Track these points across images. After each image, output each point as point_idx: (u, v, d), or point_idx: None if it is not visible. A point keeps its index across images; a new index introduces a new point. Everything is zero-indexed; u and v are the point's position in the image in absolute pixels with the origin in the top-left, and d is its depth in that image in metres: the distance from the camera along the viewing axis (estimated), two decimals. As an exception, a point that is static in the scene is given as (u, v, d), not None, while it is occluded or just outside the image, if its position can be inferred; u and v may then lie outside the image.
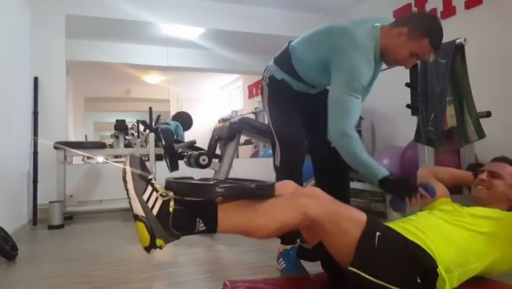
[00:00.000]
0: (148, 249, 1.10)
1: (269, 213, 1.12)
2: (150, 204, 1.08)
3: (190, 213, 1.12)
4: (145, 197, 1.09)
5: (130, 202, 1.09)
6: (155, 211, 1.08)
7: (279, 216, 1.12)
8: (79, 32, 4.36)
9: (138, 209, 1.08)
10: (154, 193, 1.10)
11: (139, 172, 1.11)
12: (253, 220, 1.13)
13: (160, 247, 1.11)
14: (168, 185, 1.14)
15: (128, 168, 1.11)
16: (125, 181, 1.11)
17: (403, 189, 1.46)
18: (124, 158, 1.16)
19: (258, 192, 1.13)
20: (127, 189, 1.10)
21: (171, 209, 1.09)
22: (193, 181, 1.18)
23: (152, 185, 1.11)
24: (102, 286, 1.64)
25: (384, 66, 1.70)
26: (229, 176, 2.91)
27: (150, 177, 1.13)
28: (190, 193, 1.13)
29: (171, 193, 1.11)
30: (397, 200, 1.44)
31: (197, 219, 1.11)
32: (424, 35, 1.49)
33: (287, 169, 1.71)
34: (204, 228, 1.12)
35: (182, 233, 1.11)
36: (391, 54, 1.57)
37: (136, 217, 1.08)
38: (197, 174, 3.19)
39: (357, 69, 1.49)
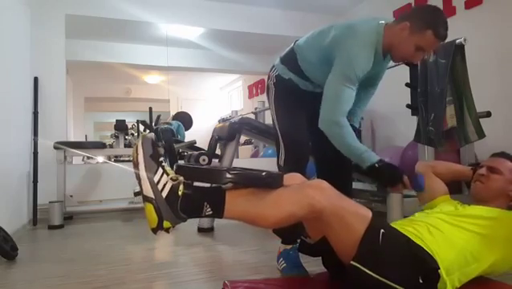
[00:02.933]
0: (155, 230, 1.10)
1: (276, 202, 1.12)
2: (160, 186, 1.09)
3: (198, 197, 1.12)
4: (156, 179, 1.09)
5: (140, 183, 1.10)
6: (164, 194, 1.09)
7: (286, 206, 1.12)
8: (79, 32, 4.37)
9: (148, 191, 1.09)
10: (164, 175, 1.10)
11: (151, 152, 1.12)
12: (260, 208, 1.13)
13: (167, 230, 1.11)
14: (179, 170, 1.14)
15: (140, 149, 1.11)
16: (137, 162, 1.11)
17: (387, 179, 1.53)
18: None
19: (267, 180, 1.14)
20: (138, 170, 1.10)
21: (180, 193, 1.10)
22: (204, 167, 1.19)
23: (163, 167, 1.12)
24: (102, 286, 1.64)
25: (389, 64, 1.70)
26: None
27: (161, 159, 1.13)
28: (200, 178, 1.14)
29: (181, 178, 1.11)
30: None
31: (205, 203, 1.12)
32: (426, 27, 1.47)
33: (291, 170, 1.69)
34: (211, 212, 1.12)
35: (189, 216, 1.12)
36: (396, 51, 1.57)
37: (146, 199, 1.09)
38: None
39: (354, 59, 1.49)
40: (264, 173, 1.13)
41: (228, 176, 1.10)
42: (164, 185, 1.09)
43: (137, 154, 1.11)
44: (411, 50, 1.53)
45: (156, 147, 1.15)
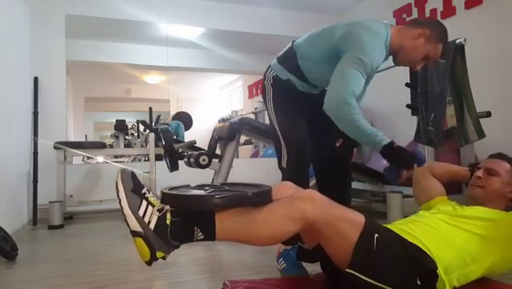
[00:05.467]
0: (149, 263, 1.09)
1: (267, 220, 1.11)
2: (146, 219, 1.07)
3: (188, 223, 1.11)
4: (141, 212, 1.08)
5: (126, 219, 1.08)
6: (152, 225, 1.07)
7: (278, 222, 1.11)
8: (79, 32, 4.36)
9: (135, 226, 1.07)
10: (150, 207, 1.09)
11: (131, 187, 1.10)
12: (252, 228, 1.12)
13: (164, 258, 1.10)
14: (164, 199, 1.13)
15: (121, 186, 1.09)
16: (119, 198, 1.09)
17: (403, 160, 1.51)
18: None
19: (255, 199, 1.12)
20: (121, 207, 1.09)
21: (168, 222, 1.08)
22: (190, 193, 1.16)
23: (147, 199, 1.10)
24: (102, 286, 1.65)
25: (383, 66, 1.70)
26: (229, 176, 2.92)
27: (144, 190, 1.11)
28: (187, 206, 1.12)
29: (167, 206, 1.10)
30: (392, 171, 1.46)
31: (195, 228, 1.10)
32: (441, 40, 1.57)
33: (294, 171, 1.68)
34: (202, 237, 1.11)
35: (181, 242, 1.11)
36: (405, 55, 1.59)
37: (134, 234, 1.07)
38: (196, 174, 3.18)
39: (368, 48, 1.48)
40: (251, 193, 1.11)
41: (215, 201, 1.08)
42: (151, 217, 1.08)
43: (118, 190, 1.09)
44: (420, 57, 1.59)
45: (137, 179, 1.13)
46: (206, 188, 1.21)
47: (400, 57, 1.61)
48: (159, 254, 1.08)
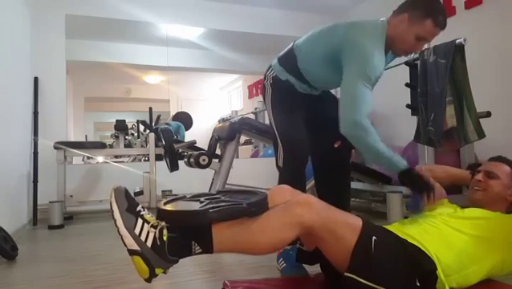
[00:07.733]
0: (148, 280, 1.08)
1: (264, 228, 1.11)
2: (143, 237, 1.07)
3: (185, 238, 1.11)
4: (137, 231, 1.07)
5: (122, 239, 1.07)
6: (149, 243, 1.06)
7: (276, 230, 1.11)
8: (80, 32, 4.37)
9: (132, 245, 1.06)
10: (145, 225, 1.08)
11: (126, 206, 1.09)
12: (250, 237, 1.11)
13: (164, 272, 1.10)
14: (160, 215, 1.12)
15: (115, 205, 1.08)
16: (114, 219, 1.08)
17: (422, 185, 1.46)
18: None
19: (251, 210, 1.11)
20: (117, 226, 1.08)
21: (165, 238, 1.07)
22: (184, 209, 1.15)
23: (142, 216, 1.09)
24: (102, 286, 1.64)
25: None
26: (229, 176, 2.92)
27: (138, 208, 1.10)
28: (182, 222, 1.12)
29: (163, 223, 1.09)
30: (415, 199, 1.41)
31: (193, 243, 1.10)
32: (425, 16, 1.49)
33: (291, 170, 1.69)
34: (200, 250, 1.11)
35: (180, 257, 1.11)
36: (398, 44, 1.57)
37: (132, 252, 1.07)
38: (196, 174, 3.16)
39: (369, 58, 1.47)
40: (246, 204, 1.10)
41: (210, 216, 1.07)
42: (147, 235, 1.07)
43: (112, 211, 1.08)
44: (412, 41, 1.53)
45: (131, 196, 1.11)
46: (202, 199, 1.19)
47: (395, 48, 1.59)
48: (158, 270, 1.08)
